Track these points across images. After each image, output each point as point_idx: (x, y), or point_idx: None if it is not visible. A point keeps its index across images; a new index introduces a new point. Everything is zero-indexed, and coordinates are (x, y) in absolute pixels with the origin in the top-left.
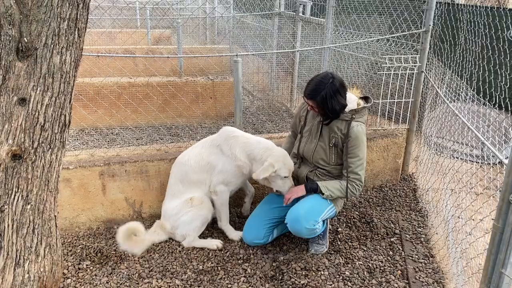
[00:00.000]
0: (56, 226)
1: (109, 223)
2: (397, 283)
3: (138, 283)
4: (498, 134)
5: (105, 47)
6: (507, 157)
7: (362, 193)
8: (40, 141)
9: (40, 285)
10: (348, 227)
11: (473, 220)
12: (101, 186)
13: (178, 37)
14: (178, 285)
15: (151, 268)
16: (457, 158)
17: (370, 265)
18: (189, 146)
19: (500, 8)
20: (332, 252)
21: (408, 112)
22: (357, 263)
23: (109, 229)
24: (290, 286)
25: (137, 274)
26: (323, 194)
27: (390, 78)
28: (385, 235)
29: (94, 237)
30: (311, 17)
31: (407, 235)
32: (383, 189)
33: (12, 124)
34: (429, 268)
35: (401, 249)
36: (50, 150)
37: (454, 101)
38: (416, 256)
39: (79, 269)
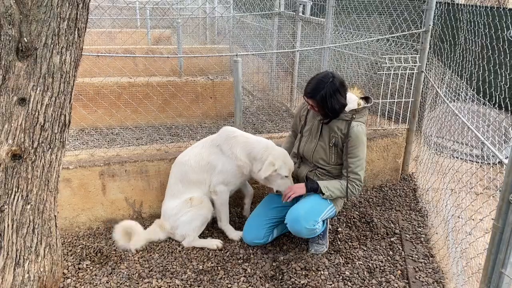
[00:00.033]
0: (56, 226)
1: (109, 223)
2: (397, 283)
3: (138, 283)
4: (498, 134)
5: (105, 47)
6: (507, 157)
7: (362, 193)
8: (40, 141)
9: (40, 285)
10: (348, 227)
11: (473, 220)
12: (101, 186)
13: (178, 37)
14: (178, 285)
15: (151, 268)
16: (457, 158)
17: (370, 265)
18: (189, 146)
19: (500, 8)
20: (332, 252)
21: (408, 112)
22: (357, 263)
23: (109, 229)
24: (290, 286)
25: (137, 274)
26: (323, 194)
27: (390, 78)
28: (385, 235)
29: (94, 237)
30: (311, 17)
31: (407, 235)
32: (383, 189)
33: (12, 124)
34: (429, 268)
35: (401, 249)
36: (50, 150)
37: (454, 101)
38: (416, 256)
39: (79, 269)
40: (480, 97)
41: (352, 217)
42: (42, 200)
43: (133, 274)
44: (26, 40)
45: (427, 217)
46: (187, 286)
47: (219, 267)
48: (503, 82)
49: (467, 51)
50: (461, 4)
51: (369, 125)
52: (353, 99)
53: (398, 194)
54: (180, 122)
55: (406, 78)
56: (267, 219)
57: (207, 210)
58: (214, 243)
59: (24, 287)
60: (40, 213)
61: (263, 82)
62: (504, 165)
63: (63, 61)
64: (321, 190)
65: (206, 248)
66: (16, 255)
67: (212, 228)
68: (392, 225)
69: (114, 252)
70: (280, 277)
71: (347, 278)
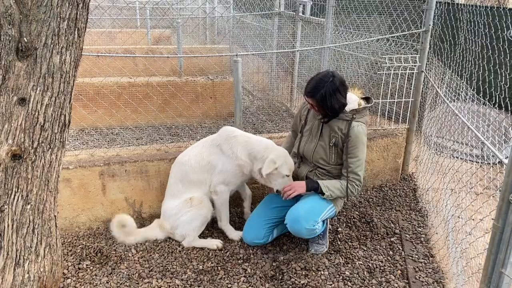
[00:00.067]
0: (56, 226)
1: (109, 223)
2: (397, 283)
3: (138, 283)
4: (498, 133)
5: (105, 47)
6: (507, 157)
7: (362, 193)
8: (40, 141)
9: (40, 285)
10: (348, 227)
11: (473, 220)
12: (101, 186)
13: (178, 37)
14: (178, 285)
15: (151, 268)
16: (457, 157)
17: (370, 265)
18: (189, 146)
19: (500, 7)
20: (332, 252)
21: (408, 112)
22: (357, 263)
23: (109, 229)
24: (290, 286)
25: (137, 274)
26: (323, 194)
27: (390, 78)
28: (385, 235)
29: (94, 237)
30: (311, 17)
31: (407, 235)
32: (383, 189)
33: (12, 124)
34: (429, 268)
35: (401, 249)
36: (50, 150)
37: (454, 101)
38: (416, 256)
39: (79, 269)
40: (480, 97)
41: (352, 217)
42: (42, 200)
43: (133, 274)
44: (26, 40)
45: (427, 217)
46: (187, 286)
47: (219, 267)
48: (503, 82)
49: (467, 51)
50: (461, 4)
51: (369, 125)
52: (353, 99)
53: (398, 194)
54: (180, 122)
55: (406, 78)
56: (267, 219)
57: (207, 210)
58: (214, 243)
59: (24, 287)
60: (40, 213)
61: (263, 82)
62: (504, 165)
63: (63, 61)
64: (321, 190)
65: (206, 248)
66: (16, 255)
67: (212, 228)
68: (392, 225)
69: (114, 252)
70: (280, 277)
71: (347, 278)
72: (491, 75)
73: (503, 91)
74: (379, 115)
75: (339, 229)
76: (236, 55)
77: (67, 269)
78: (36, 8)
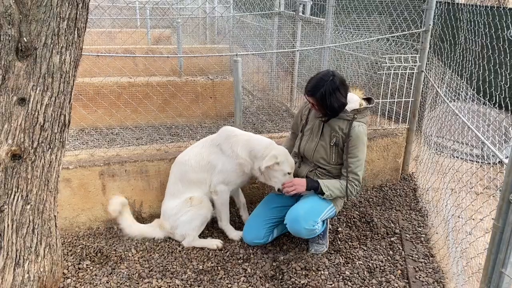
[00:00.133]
0: (56, 226)
1: (109, 223)
2: (397, 283)
3: (138, 283)
4: (498, 133)
5: (105, 47)
6: (507, 157)
7: (362, 193)
8: (40, 141)
9: (40, 285)
10: (348, 226)
11: (473, 219)
12: (101, 186)
13: (178, 36)
14: (178, 285)
15: (151, 268)
16: (457, 157)
17: (370, 264)
18: (189, 146)
19: (500, 7)
20: (332, 252)
21: (408, 112)
22: (357, 262)
23: (109, 229)
24: (290, 286)
25: (137, 274)
26: (323, 194)
27: (390, 78)
28: (385, 235)
29: (94, 237)
30: (311, 16)
31: (407, 235)
32: (383, 188)
33: (12, 124)
34: (429, 268)
35: (401, 248)
36: (49, 150)
37: (454, 101)
38: (416, 256)
39: (79, 269)
40: (480, 96)
41: (352, 217)
42: (42, 200)
43: (133, 274)
44: (25, 40)
45: (427, 217)
46: (187, 286)
47: (219, 267)
48: (503, 82)
49: (467, 51)
50: (461, 4)
51: (369, 125)
52: (355, 99)
53: (398, 194)
54: (180, 122)
55: (406, 78)
56: (267, 219)
57: (206, 210)
58: (214, 243)
59: (24, 287)
60: (40, 213)
61: (263, 82)
62: (504, 165)
63: (63, 61)
64: (321, 189)
65: (206, 248)
66: (16, 255)
67: (212, 228)
68: (392, 225)
69: (114, 252)
70: (280, 277)
71: (347, 278)
72: (491, 74)
73: (503, 91)
74: (379, 115)
75: (339, 229)
76: (236, 55)
77: (67, 269)
78: (36, 8)
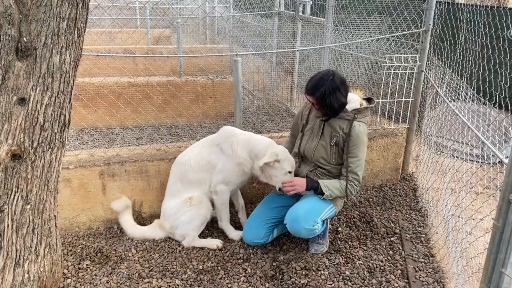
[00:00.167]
0: (56, 226)
1: (109, 223)
2: (397, 283)
3: (138, 283)
4: (498, 133)
5: (105, 47)
6: (507, 157)
7: (362, 193)
8: (40, 141)
9: (40, 285)
10: (348, 226)
11: (473, 219)
12: (101, 186)
13: (178, 36)
14: (178, 285)
15: (151, 268)
16: (457, 157)
17: (370, 264)
18: (189, 145)
19: (500, 7)
20: (332, 252)
21: (408, 112)
22: (357, 262)
23: (109, 229)
24: (290, 286)
25: (137, 274)
26: (323, 194)
27: (390, 78)
28: (385, 235)
29: (94, 237)
30: (311, 16)
31: (407, 235)
32: (383, 188)
33: (12, 124)
34: (429, 268)
35: (401, 248)
36: (49, 150)
37: (454, 101)
38: (416, 256)
39: (79, 269)
40: (480, 96)
41: (352, 216)
42: (42, 200)
43: (133, 274)
44: (25, 40)
45: (427, 217)
46: (187, 286)
47: (219, 267)
48: (503, 82)
49: (467, 51)
50: (461, 4)
51: (369, 125)
52: (355, 99)
53: (398, 193)
54: (180, 122)
55: (406, 78)
56: (267, 219)
57: (206, 210)
58: (214, 243)
59: (24, 287)
60: (40, 213)
61: (263, 82)
62: (504, 165)
63: (63, 60)
64: (321, 189)
65: (206, 248)
66: (16, 255)
67: (212, 228)
68: (392, 225)
69: (114, 252)
70: (280, 277)
71: (347, 278)
72: (491, 74)
73: (503, 91)
74: (379, 114)
75: (339, 228)
76: (236, 54)
77: (67, 269)
78: (36, 8)
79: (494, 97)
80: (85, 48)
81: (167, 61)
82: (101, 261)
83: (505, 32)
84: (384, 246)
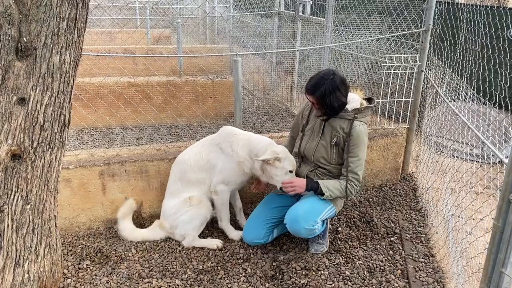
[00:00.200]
0: (56, 226)
1: (109, 223)
2: (397, 283)
3: (138, 283)
4: (498, 133)
5: (104, 47)
6: (507, 156)
7: (362, 193)
8: (40, 141)
9: (40, 285)
10: (348, 226)
11: (473, 219)
12: (101, 186)
13: (178, 36)
14: (178, 285)
15: (151, 268)
16: (457, 157)
17: (370, 264)
18: (189, 145)
19: (500, 7)
20: (332, 252)
21: (408, 112)
22: (357, 262)
23: (109, 229)
24: (290, 286)
25: (137, 274)
26: (323, 194)
27: (390, 78)
28: (385, 235)
29: (94, 237)
30: (310, 16)
31: (407, 235)
32: (383, 188)
33: (12, 124)
34: (429, 268)
35: (401, 248)
36: (49, 150)
37: (454, 100)
38: (416, 256)
39: (79, 269)
40: (480, 96)
41: (352, 216)
42: (42, 200)
43: (133, 274)
44: (25, 40)
45: (427, 217)
46: (187, 286)
47: (219, 267)
48: (503, 82)
49: (467, 51)
50: (461, 4)
51: (369, 125)
52: (356, 99)
53: (398, 193)
54: (180, 121)
55: (406, 78)
56: (267, 219)
57: (206, 210)
58: (214, 243)
59: (24, 287)
60: (40, 213)
61: (263, 82)
62: (504, 165)
63: (63, 60)
64: (321, 190)
65: (206, 248)
66: (16, 255)
67: (212, 228)
68: (392, 225)
69: (114, 252)
70: (280, 277)
71: (347, 278)
72: (491, 74)
73: (503, 91)
74: (379, 114)
75: (339, 228)
76: (236, 54)
77: (67, 269)
78: (36, 8)
79: (494, 97)
80: (85, 48)
81: (167, 61)
82: (101, 261)
83: (505, 32)
84: (384, 246)
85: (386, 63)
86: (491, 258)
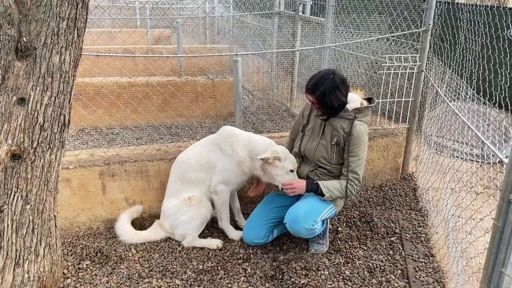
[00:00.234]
0: (55, 226)
1: (109, 223)
2: (397, 283)
3: (138, 283)
4: (498, 133)
5: (104, 47)
6: (507, 156)
7: (362, 193)
8: (40, 141)
9: (39, 285)
10: (348, 226)
11: (473, 219)
12: (101, 186)
13: (178, 36)
14: (178, 285)
15: (151, 268)
16: (457, 157)
17: (370, 264)
18: (189, 145)
19: (500, 7)
20: (332, 252)
21: (408, 112)
22: (357, 262)
23: (109, 229)
24: (290, 286)
25: (137, 274)
26: (323, 195)
27: (390, 77)
28: (385, 235)
29: (94, 237)
30: (310, 16)
31: (407, 235)
32: (383, 188)
33: (12, 124)
34: (429, 268)
35: (401, 248)
36: (49, 150)
37: (454, 100)
38: (416, 256)
39: (79, 269)
40: (480, 96)
41: (352, 216)
42: (42, 200)
43: (133, 274)
44: (25, 40)
45: (427, 217)
46: (187, 286)
47: (219, 267)
48: (503, 81)
49: (467, 50)
50: (461, 3)
51: (369, 125)
52: (356, 98)
53: (398, 193)
54: (180, 121)
55: (406, 78)
56: (267, 219)
57: (206, 210)
58: (214, 243)
59: (24, 287)
60: (39, 213)
61: (263, 82)
62: (504, 165)
63: (63, 60)
64: (321, 191)
65: (206, 248)
66: (16, 255)
67: (212, 228)
68: (392, 225)
69: (114, 252)
70: (280, 277)
71: (347, 278)
72: (491, 74)
73: (503, 91)
74: (379, 114)
75: (339, 228)
76: (236, 54)
77: (67, 269)
78: (36, 7)
79: (494, 97)
80: (85, 48)
81: (167, 61)
82: (101, 261)
83: (505, 32)
84: (384, 246)
85: (386, 63)
86: (491, 258)
